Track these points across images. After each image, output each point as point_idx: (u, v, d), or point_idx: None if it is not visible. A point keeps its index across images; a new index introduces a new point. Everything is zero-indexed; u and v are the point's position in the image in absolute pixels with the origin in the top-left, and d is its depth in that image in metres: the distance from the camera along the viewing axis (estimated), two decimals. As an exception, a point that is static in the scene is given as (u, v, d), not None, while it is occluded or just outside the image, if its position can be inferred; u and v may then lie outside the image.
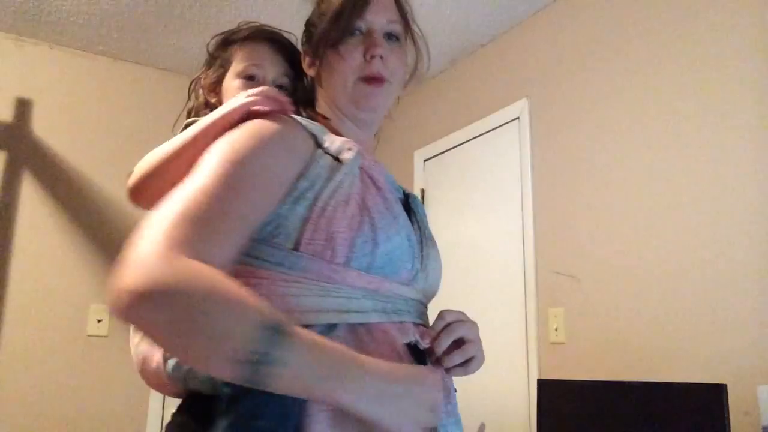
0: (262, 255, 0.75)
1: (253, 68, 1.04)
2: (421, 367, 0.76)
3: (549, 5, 2.41)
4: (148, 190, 0.87)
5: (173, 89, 3.05)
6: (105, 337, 2.67)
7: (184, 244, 0.65)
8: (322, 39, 0.90)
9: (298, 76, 1.04)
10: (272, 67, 1.04)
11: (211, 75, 1.08)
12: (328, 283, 0.75)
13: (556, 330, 2.16)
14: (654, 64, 2.00)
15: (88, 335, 2.65)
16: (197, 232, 0.67)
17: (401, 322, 0.79)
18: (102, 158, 2.82)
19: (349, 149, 0.82)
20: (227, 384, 0.66)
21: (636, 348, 1.89)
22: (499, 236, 2.49)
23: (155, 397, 2.71)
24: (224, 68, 1.07)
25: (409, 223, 0.85)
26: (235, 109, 0.82)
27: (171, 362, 0.83)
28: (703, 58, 1.86)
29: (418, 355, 0.79)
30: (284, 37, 1.09)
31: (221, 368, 0.62)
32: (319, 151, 0.80)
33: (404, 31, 0.94)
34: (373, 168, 0.85)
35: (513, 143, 2.49)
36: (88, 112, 2.84)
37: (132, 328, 0.86)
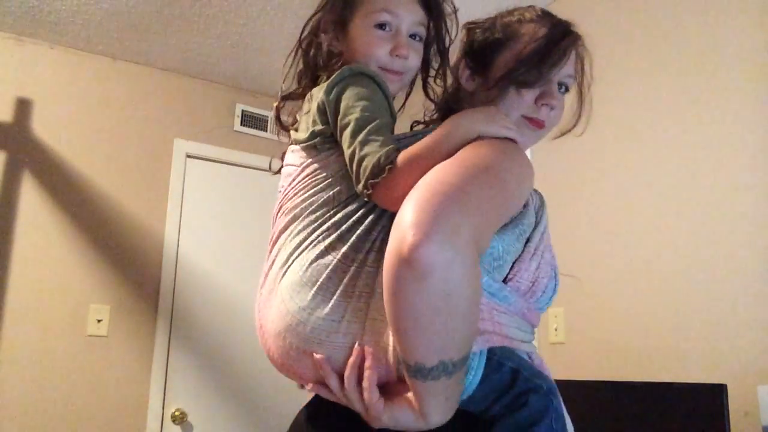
0: (481, 282, 0.75)
1: (386, 15, 0.90)
2: None
3: (549, 5, 2.41)
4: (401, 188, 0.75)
5: (173, 89, 3.05)
6: (105, 337, 2.67)
7: (475, 227, 0.65)
8: (509, 77, 0.87)
9: (435, 23, 0.95)
10: (408, 15, 0.91)
11: (332, 18, 0.93)
12: (521, 318, 0.84)
13: (556, 330, 2.16)
14: (654, 64, 2.00)
15: (88, 335, 2.65)
16: (486, 221, 0.68)
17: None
18: (102, 158, 2.82)
19: (535, 189, 0.90)
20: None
21: (636, 348, 1.89)
22: (499, 236, 2.49)
23: (155, 397, 2.71)
24: (349, 11, 0.92)
25: None
26: (492, 134, 0.78)
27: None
28: (704, 57, 1.85)
29: None
30: None
31: (423, 355, 0.65)
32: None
33: (576, 86, 0.96)
34: None
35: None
36: (88, 112, 2.84)
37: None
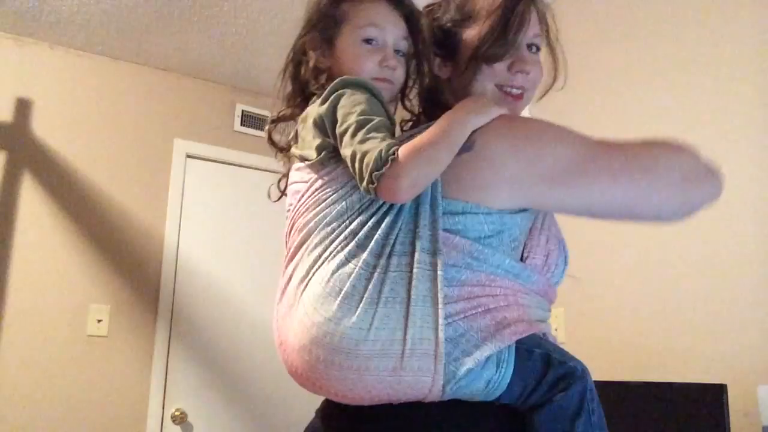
0: (504, 264, 0.79)
1: (373, 30, 0.92)
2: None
3: (549, 4, 2.41)
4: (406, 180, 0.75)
5: (173, 89, 3.05)
6: (105, 337, 2.67)
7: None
8: (478, 55, 0.88)
9: (415, 37, 0.96)
10: (393, 29, 0.93)
11: (320, 35, 0.95)
12: (542, 297, 0.84)
13: (556, 330, 2.16)
14: (655, 62, 2.00)
15: (88, 335, 2.65)
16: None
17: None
18: (102, 158, 2.82)
19: None
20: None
21: (636, 348, 1.89)
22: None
23: (155, 397, 2.71)
24: (336, 28, 0.94)
25: None
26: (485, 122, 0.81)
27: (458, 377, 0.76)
28: (705, 57, 1.85)
29: None
30: None
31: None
32: None
33: (546, 44, 0.96)
34: None
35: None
36: (88, 112, 2.84)
37: None
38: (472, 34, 0.90)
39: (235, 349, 2.95)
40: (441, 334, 0.72)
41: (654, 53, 2.00)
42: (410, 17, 0.95)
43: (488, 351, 0.72)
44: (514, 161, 0.77)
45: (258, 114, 3.23)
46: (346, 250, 0.78)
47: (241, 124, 3.19)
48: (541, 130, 0.80)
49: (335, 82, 0.86)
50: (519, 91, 0.90)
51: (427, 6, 0.98)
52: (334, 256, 0.79)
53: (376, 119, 0.80)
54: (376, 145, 0.76)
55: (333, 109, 0.84)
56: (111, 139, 2.86)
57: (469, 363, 0.72)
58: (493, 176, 0.77)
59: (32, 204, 2.65)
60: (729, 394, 1.46)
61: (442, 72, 0.95)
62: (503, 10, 0.88)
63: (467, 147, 0.78)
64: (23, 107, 2.70)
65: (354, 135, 0.79)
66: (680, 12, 1.95)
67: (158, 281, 2.84)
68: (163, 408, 2.74)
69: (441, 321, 0.73)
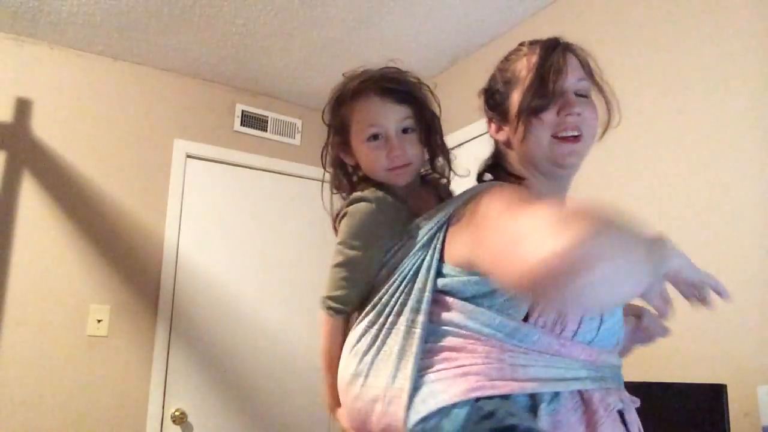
0: (493, 323, 0.80)
1: (373, 129, 1.03)
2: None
3: (549, 5, 2.41)
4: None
5: (173, 89, 3.05)
6: (105, 337, 2.67)
7: None
8: (523, 110, 0.92)
9: (418, 106, 1.06)
10: (390, 119, 1.03)
11: (338, 139, 1.09)
12: (553, 355, 0.80)
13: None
14: (655, 64, 1.99)
15: (88, 335, 2.65)
16: None
17: (607, 389, 0.84)
18: (102, 158, 2.82)
19: None
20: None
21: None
22: (499, 236, 2.49)
23: (155, 397, 2.71)
24: (346, 129, 1.07)
25: None
26: None
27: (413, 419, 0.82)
28: (706, 57, 1.85)
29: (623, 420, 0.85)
30: (393, 76, 1.06)
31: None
32: None
33: (593, 86, 0.97)
34: None
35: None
36: (88, 112, 2.83)
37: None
38: (517, 94, 0.95)
39: (235, 349, 2.95)
40: (409, 384, 0.80)
41: (655, 53, 2.00)
42: (407, 97, 1.04)
43: (441, 403, 0.77)
44: (492, 236, 0.77)
45: (258, 114, 3.23)
46: (363, 314, 0.95)
47: (241, 124, 3.19)
48: (523, 216, 0.74)
49: (348, 199, 1.03)
50: (574, 133, 0.92)
51: (482, 89, 1.05)
52: (359, 322, 0.95)
53: (348, 265, 0.99)
54: (329, 291, 1.01)
55: (340, 227, 1.03)
56: (111, 139, 2.86)
57: (422, 411, 0.77)
58: (478, 247, 0.81)
59: (32, 204, 2.64)
60: (729, 394, 1.46)
61: (499, 136, 1.00)
62: (538, 62, 0.93)
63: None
64: (23, 107, 2.70)
65: (332, 265, 1.01)
66: (680, 12, 1.95)
67: (158, 281, 2.84)
68: (163, 408, 2.74)
69: (412, 374, 0.81)
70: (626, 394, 0.89)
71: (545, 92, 0.91)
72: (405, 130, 1.04)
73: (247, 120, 3.21)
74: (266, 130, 3.24)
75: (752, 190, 1.68)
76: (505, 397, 0.76)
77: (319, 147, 1.14)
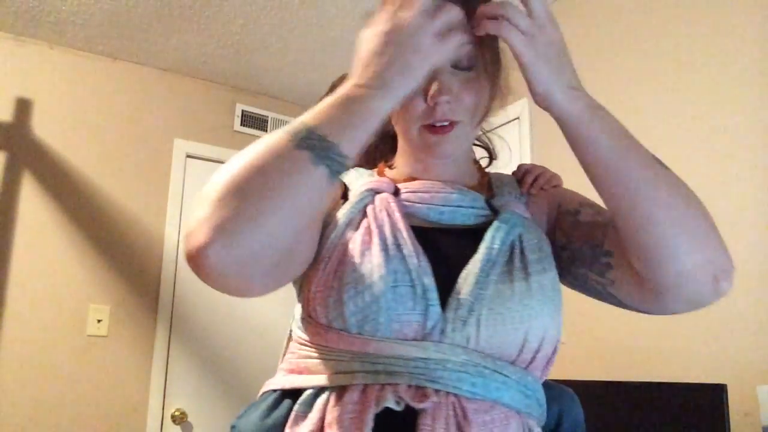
0: (297, 318, 0.80)
1: None
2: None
3: (549, 5, 2.41)
4: None
5: (173, 89, 3.05)
6: (105, 337, 2.67)
7: None
8: None
9: None
10: None
11: None
12: (321, 345, 0.70)
13: (556, 330, 2.16)
14: (656, 63, 2.00)
15: (88, 335, 2.65)
16: None
17: (392, 384, 0.66)
18: (102, 158, 2.82)
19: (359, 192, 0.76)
20: None
21: (636, 348, 1.89)
22: (499, 236, 2.49)
23: (155, 397, 2.71)
24: None
25: (421, 266, 0.69)
26: None
27: None
28: (706, 57, 1.85)
29: (397, 420, 0.65)
30: None
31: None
32: (342, 201, 0.77)
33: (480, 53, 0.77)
34: (391, 204, 0.74)
35: (513, 143, 2.49)
36: (88, 112, 2.84)
37: None
38: None
39: (235, 350, 2.95)
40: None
41: (656, 52, 2.00)
42: None
43: (261, 391, 0.78)
44: None
45: (258, 114, 3.23)
46: None
47: (241, 124, 3.19)
48: None
49: None
50: (444, 123, 0.76)
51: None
52: None
53: None
54: None
55: None
56: (111, 139, 2.86)
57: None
58: None
59: (32, 204, 2.65)
60: (729, 394, 1.46)
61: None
62: None
63: None
64: (23, 107, 2.70)
65: None
66: (680, 12, 1.95)
67: (158, 281, 2.84)
68: (163, 408, 2.74)
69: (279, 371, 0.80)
70: (431, 392, 0.66)
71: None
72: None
73: (247, 120, 3.21)
74: (266, 130, 3.24)
75: (752, 190, 1.68)
76: (290, 393, 0.72)
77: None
